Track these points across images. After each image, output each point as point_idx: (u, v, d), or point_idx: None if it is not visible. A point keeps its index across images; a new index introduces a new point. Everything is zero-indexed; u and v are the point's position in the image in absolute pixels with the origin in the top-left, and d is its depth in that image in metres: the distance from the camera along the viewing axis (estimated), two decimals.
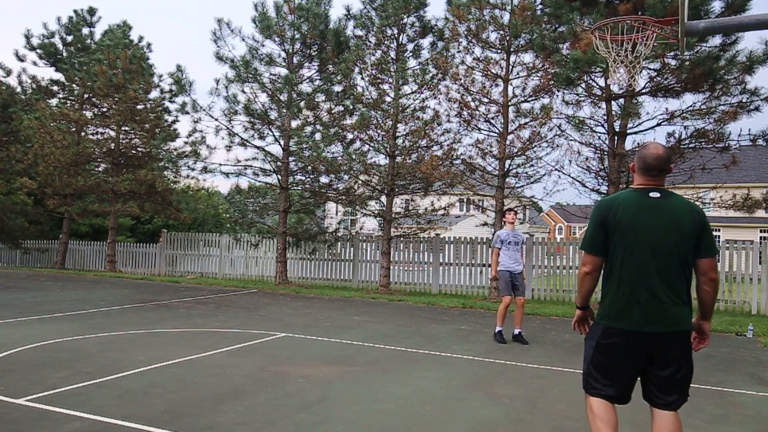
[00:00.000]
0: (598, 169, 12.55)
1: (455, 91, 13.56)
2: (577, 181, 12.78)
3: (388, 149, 14.74)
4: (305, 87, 16.01)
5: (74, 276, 17.44)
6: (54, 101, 21.47)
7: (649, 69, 11.49)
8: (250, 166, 15.88)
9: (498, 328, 7.86)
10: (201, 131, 15.73)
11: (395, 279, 15.44)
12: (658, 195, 3.02)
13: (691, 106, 11.46)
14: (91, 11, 21.61)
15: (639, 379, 3.06)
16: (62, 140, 18.67)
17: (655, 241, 2.92)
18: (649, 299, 2.91)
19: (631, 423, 4.46)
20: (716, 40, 10.76)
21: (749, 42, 47.23)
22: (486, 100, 13.50)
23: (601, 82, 11.89)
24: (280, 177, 15.82)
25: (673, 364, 2.95)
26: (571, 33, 11.08)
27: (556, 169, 13.26)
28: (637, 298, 2.94)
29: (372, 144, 14.99)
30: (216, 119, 15.42)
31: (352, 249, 16.24)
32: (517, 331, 7.87)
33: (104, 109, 20.46)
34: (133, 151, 20.29)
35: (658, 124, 11.83)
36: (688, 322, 2.98)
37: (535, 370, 6.19)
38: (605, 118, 12.06)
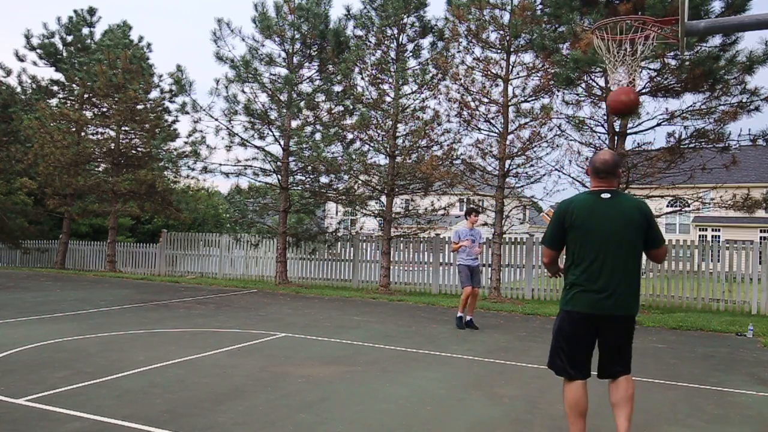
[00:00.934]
0: None
1: (455, 91, 13.56)
2: (577, 181, 12.78)
3: (388, 149, 14.74)
4: (305, 87, 16.02)
5: (74, 276, 17.44)
6: (54, 101, 21.46)
7: (649, 69, 11.48)
8: (250, 166, 15.90)
9: (459, 314, 8.88)
10: (201, 131, 15.76)
11: (395, 279, 15.43)
12: (608, 195, 3.43)
13: (691, 106, 11.45)
14: (91, 11, 21.61)
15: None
16: (62, 140, 18.67)
17: (606, 236, 3.36)
18: (602, 287, 3.39)
19: (632, 423, 4.45)
20: (716, 40, 10.76)
21: (749, 42, 47.20)
22: (486, 100, 13.49)
23: (601, 82, 11.89)
24: (280, 177, 15.82)
25: (618, 342, 3.62)
26: (571, 33, 11.08)
27: (556, 169, 13.26)
28: (591, 286, 3.41)
29: (372, 144, 14.99)
30: (216, 119, 15.44)
31: (352, 249, 16.24)
32: (468, 318, 8.87)
33: (104, 109, 20.46)
34: (133, 151, 20.29)
35: (658, 124, 11.82)
36: (634, 308, 3.51)
37: (535, 370, 6.19)
38: (605, 118, 12.06)
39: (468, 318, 8.88)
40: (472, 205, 10.44)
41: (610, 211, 3.40)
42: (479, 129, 13.81)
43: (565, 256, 3.60)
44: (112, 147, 19.67)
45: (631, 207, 3.42)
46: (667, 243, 3.69)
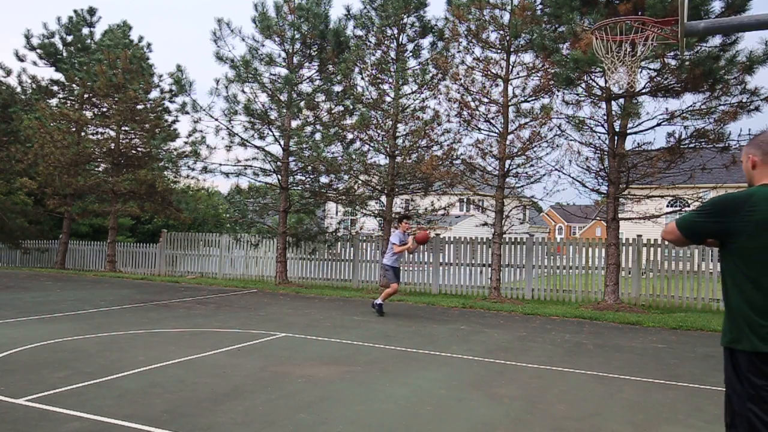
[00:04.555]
0: (598, 169, 12.55)
1: (455, 91, 13.56)
2: (577, 181, 12.78)
3: (388, 149, 14.74)
4: (305, 87, 16.03)
5: (74, 276, 17.44)
6: (54, 101, 21.48)
7: (649, 69, 11.49)
8: (250, 166, 15.90)
9: (379, 302, 10.15)
10: (201, 131, 15.77)
11: None
12: None
13: (691, 106, 11.45)
14: (91, 11, 21.63)
15: None
16: (62, 140, 18.68)
17: None
18: None
19: (631, 423, 4.46)
20: (716, 40, 10.76)
21: (749, 42, 47.24)
22: (486, 100, 13.49)
23: (601, 82, 11.89)
24: (280, 177, 15.82)
25: None
26: (571, 33, 11.08)
27: (556, 169, 13.25)
28: None
29: (372, 144, 14.99)
30: (216, 119, 15.44)
31: (352, 249, 16.25)
32: (378, 302, 10.15)
33: (104, 109, 20.46)
34: (133, 151, 20.30)
35: (658, 124, 11.82)
36: None
37: (535, 370, 6.19)
38: (605, 118, 12.06)
39: (379, 302, 10.19)
40: (403, 214, 11.94)
41: None
42: (479, 129, 13.81)
43: (729, 275, 2.58)
44: (112, 147, 19.67)
45: None
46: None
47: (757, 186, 2.58)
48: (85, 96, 20.46)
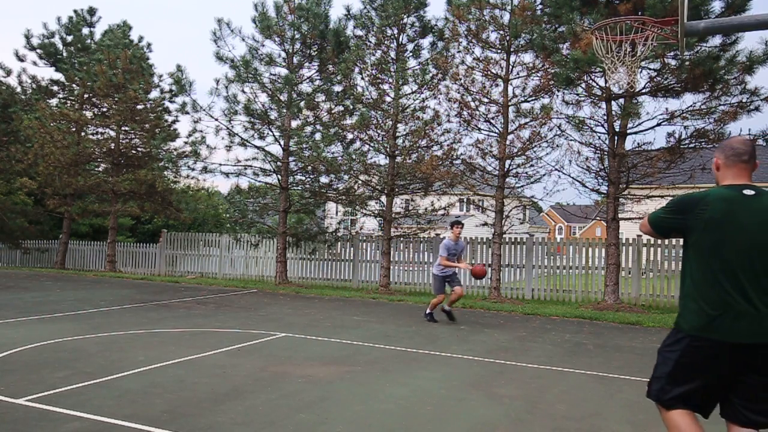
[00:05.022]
0: (598, 169, 12.55)
1: (455, 91, 13.56)
2: (577, 181, 12.78)
3: (388, 149, 14.74)
4: (305, 87, 16.02)
5: (74, 276, 17.44)
6: (54, 101, 21.48)
7: (649, 69, 11.49)
8: (250, 166, 15.90)
9: (429, 311, 9.59)
10: (201, 131, 15.76)
11: (395, 279, 15.44)
12: (752, 192, 2.73)
13: (691, 106, 11.45)
14: (91, 11, 21.63)
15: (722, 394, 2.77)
16: (62, 140, 18.68)
17: (751, 243, 2.64)
18: (742, 307, 2.60)
19: (631, 423, 4.46)
20: (716, 40, 10.76)
21: (749, 42, 47.20)
22: (486, 100, 13.49)
23: (601, 82, 11.89)
24: (280, 177, 15.82)
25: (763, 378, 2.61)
26: (571, 33, 11.08)
27: (556, 169, 13.26)
28: (731, 304, 2.61)
29: (372, 144, 14.99)
30: (216, 119, 15.44)
31: (352, 249, 16.25)
32: (447, 308, 9.50)
33: (104, 109, 20.46)
34: (133, 151, 20.30)
35: (658, 124, 11.82)
36: None
37: (535, 370, 6.19)
38: (605, 118, 12.06)
39: (447, 308, 9.50)
40: (455, 219, 10.33)
41: (756, 211, 2.66)
42: (479, 129, 13.81)
43: (686, 266, 2.82)
44: (112, 147, 19.67)
45: None
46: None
47: (716, 187, 2.84)
48: (85, 96, 20.46)
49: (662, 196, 12.25)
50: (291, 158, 15.80)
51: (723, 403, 2.71)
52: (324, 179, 16.29)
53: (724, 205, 2.69)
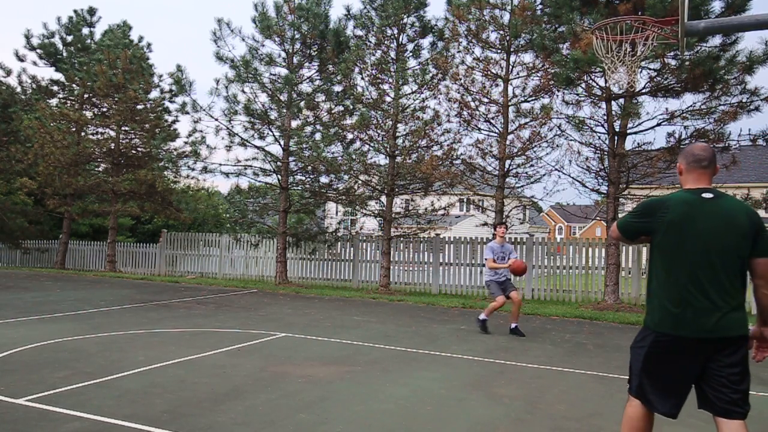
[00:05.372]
0: (598, 169, 12.56)
1: (455, 91, 13.57)
2: (577, 181, 12.79)
3: (388, 149, 14.74)
4: (305, 87, 16.03)
5: (74, 276, 17.44)
6: (54, 101, 21.47)
7: (649, 69, 11.49)
8: (250, 166, 15.90)
9: (483, 317, 8.59)
10: (201, 131, 15.76)
11: (395, 279, 15.44)
12: (711, 195, 2.90)
13: (691, 106, 11.46)
14: (91, 11, 21.62)
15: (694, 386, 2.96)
16: (62, 140, 18.68)
17: (708, 243, 2.81)
18: (703, 304, 2.78)
19: None
20: (716, 40, 10.76)
21: (749, 42, 47.21)
22: (486, 100, 13.50)
23: (601, 82, 11.89)
24: (280, 177, 15.82)
25: (725, 370, 2.81)
26: (571, 33, 11.08)
27: (556, 169, 13.28)
28: (691, 302, 2.80)
29: (372, 144, 14.99)
30: (216, 119, 15.44)
31: (352, 249, 16.25)
32: (513, 326, 8.40)
33: (104, 109, 20.46)
34: (133, 151, 20.30)
35: (658, 124, 11.83)
36: (744, 327, 2.83)
37: (535, 370, 6.19)
38: (605, 118, 12.06)
39: (513, 325, 8.41)
40: (497, 221, 9.42)
41: (713, 212, 2.84)
42: (479, 129, 13.82)
43: (651, 266, 3.01)
44: (112, 147, 19.67)
45: (739, 210, 2.86)
46: None
47: (677, 191, 3.02)
48: (85, 96, 20.46)
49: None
50: (291, 158, 15.80)
51: (698, 395, 2.92)
52: (324, 179, 16.30)
53: (683, 208, 2.87)
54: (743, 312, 2.84)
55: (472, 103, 13.49)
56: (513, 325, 8.37)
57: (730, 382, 2.79)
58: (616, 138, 11.91)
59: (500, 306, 8.33)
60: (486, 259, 8.58)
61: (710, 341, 2.76)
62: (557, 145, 13.35)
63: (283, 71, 15.59)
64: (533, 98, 13.31)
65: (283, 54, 15.67)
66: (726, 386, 2.80)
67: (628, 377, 3.07)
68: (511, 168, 13.60)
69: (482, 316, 8.60)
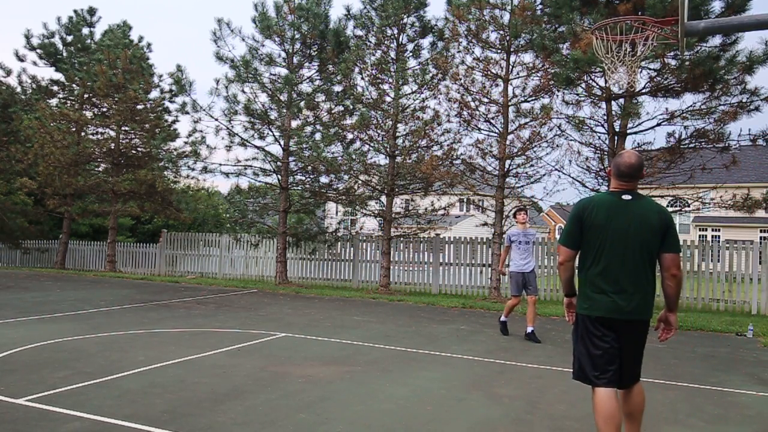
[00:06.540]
0: (598, 169, 12.55)
1: (455, 91, 13.56)
2: (577, 181, 12.78)
3: (388, 149, 14.74)
4: (305, 87, 16.02)
5: (74, 276, 17.44)
6: (54, 101, 21.47)
7: (649, 69, 11.49)
8: (250, 166, 15.90)
9: (503, 318, 8.38)
10: (201, 131, 15.77)
11: (395, 279, 15.44)
12: (629, 197, 3.39)
13: (691, 106, 11.46)
14: (91, 11, 21.62)
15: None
16: (62, 140, 18.68)
17: (625, 237, 3.30)
18: (619, 289, 3.30)
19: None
20: (716, 40, 10.76)
21: (749, 42, 47.19)
22: (486, 100, 13.49)
23: (601, 82, 11.89)
24: (280, 177, 15.82)
25: (633, 347, 3.39)
26: (571, 33, 11.08)
27: (556, 169, 13.27)
28: (609, 288, 3.31)
29: (372, 144, 14.99)
30: (216, 119, 15.44)
31: (352, 249, 16.24)
32: (530, 329, 8.03)
33: (104, 109, 20.46)
34: (133, 151, 20.29)
35: (658, 124, 11.83)
36: (647, 312, 3.37)
37: (535, 370, 6.19)
38: (605, 118, 12.06)
39: (529, 329, 8.00)
40: (517, 206, 8.69)
41: (629, 212, 3.33)
42: (479, 129, 13.82)
43: (580, 260, 3.48)
44: (112, 147, 19.67)
45: (652, 210, 3.35)
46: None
47: (600, 192, 3.50)
48: (85, 96, 20.46)
49: (662, 196, 12.27)
50: (291, 158, 15.80)
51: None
52: (324, 179, 16.29)
53: (604, 208, 3.35)
54: (652, 299, 3.38)
55: (472, 103, 13.48)
56: (529, 329, 7.99)
57: (634, 359, 3.41)
58: (616, 138, 11.90)
59: (515, 305, 8.11)
60: (503, 246, 8.20)
61: (624, 322, 3.31)
62: (557, 145, 13.34)
63: (283, 71, 15.60)
64: (533, 98, 13.30)
65: (283, 54, 15.67)
66: (629, 363, 3.39)
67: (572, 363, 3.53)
68: (511, 168, 13.59)
69: (503, 318, 8.37)
